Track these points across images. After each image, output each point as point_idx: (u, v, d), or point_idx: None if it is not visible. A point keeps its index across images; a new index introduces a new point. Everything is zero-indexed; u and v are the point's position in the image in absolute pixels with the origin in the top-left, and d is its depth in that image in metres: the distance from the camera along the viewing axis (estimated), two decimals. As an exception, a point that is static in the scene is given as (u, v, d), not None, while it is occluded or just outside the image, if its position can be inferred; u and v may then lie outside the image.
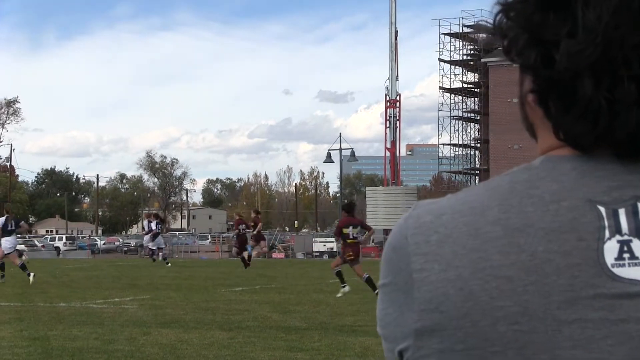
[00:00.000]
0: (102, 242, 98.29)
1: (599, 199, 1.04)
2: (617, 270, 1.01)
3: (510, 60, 1.11)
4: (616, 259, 1.01)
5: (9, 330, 13.06)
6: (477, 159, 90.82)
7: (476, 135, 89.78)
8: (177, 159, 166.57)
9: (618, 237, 1.02)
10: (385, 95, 68.03)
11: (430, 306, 1.04)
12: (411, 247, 1.08)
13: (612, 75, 1.01)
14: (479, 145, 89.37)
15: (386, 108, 68.26)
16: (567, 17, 1.03)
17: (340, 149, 67.85)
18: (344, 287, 20.71)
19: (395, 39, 68.68)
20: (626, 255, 1.01)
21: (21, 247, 72.64)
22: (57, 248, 79.48)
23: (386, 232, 62.69)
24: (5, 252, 26.30)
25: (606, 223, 1.02)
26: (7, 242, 26.45)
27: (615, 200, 1.03)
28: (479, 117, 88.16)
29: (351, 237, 20.66)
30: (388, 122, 68.17)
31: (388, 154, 68.62)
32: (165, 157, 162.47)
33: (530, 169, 1.08)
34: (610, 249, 1.01)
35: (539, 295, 1.01)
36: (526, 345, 1.00)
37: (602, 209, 1.03)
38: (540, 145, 1.13)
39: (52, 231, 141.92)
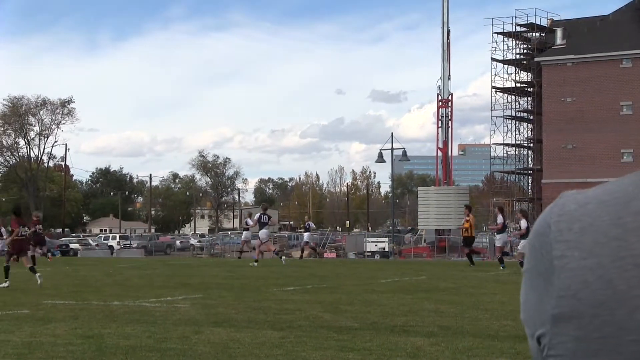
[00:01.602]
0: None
1: None
2: None
3: None
4: None
5: (63, 328, 13.21)
6: (530, 158, 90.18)
7: (529, 135, 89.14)
8: (229, 159, 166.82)
9: None
10: (438, 94, 67.76)
11: (568, 293, 1.05)
12: (554, 234, 1.09)
13: None
14: (531, 145, 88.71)
15: (438, 108, 67.99)
16: None
17: (392, 149, 67.66)
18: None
19: (448, 38, 68.38)
20: None
21: (75, 245, 73.46)
22: (111, 247, 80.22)
23: (438, 232, 62.48)
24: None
25: None
26: None
27: None
28: (532, 117, 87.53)
29: None
30: (440, 122, 67.89)
31: (440, 153, 68.32)
32: (217, 157, 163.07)
33: None
34: None
35: None
36: None
37: None
38: None
39: (105, 230, 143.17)
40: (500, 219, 33.34)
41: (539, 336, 1.10)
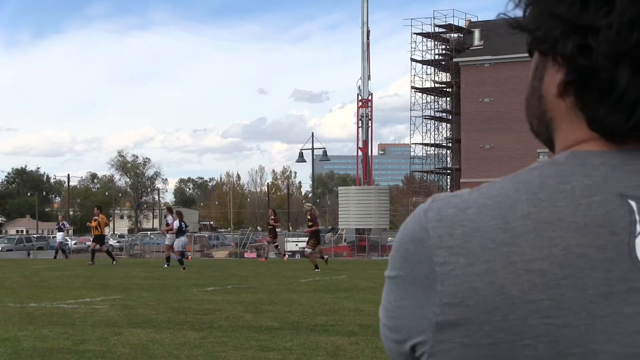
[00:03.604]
0: (73, 242, 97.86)
1: (630, 193, 1.03)
2: None
3: (541, 52, 1.11)
4: None
5: (-22, 331, 12.98)
6: (448, 158, 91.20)
7: (448, 134, 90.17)
8: (149, 159, 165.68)
9: None
10: (358, 94, 68.07)
11: (455, 300, 1.03)
12: (433, 239, 1.06)
13: None
14: (450, 144, 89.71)
15: (358, 108, 68.28)
16: (605, 4, 1.02)
17: (313, 149, 67.89)
18: None
19: (368, 38, 68.70)
20: None
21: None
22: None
23: (358, 231, 62.78)
24: None
25: (637, 218, 1.02)
26: None
27: None
28: (450, 117, 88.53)
29: None
30: (360, 122, 68.21)
31: (360, 153, 68.64)
32: (137, 157, 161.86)
33: (557, 164, 1.07)
34: None
35: (573, 289, 1.00)
36: (559, 339, 1.00)
37: (633, 204, 1.03)
38: (563, 141, 1.12)
39: (22, 231, 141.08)
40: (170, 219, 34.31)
41: (415, 344, 1.08)
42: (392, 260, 1.12)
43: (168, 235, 34.96)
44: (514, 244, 1.03)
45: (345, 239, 65.48)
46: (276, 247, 44.39)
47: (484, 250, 1.04)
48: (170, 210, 36.57)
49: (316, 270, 30.29)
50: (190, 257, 34.16)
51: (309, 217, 32.35)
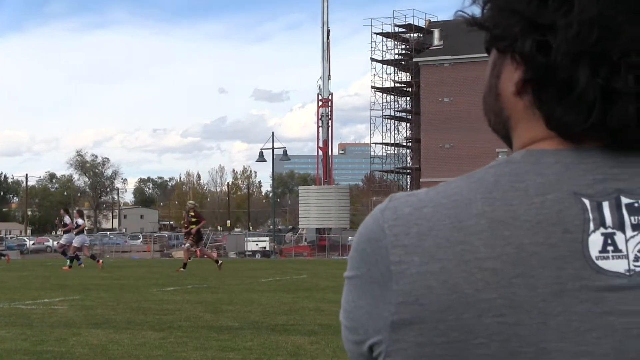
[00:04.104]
0: (32, 242, 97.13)
1: (584, 191, 1.04)
2: (601, 263, 1.01)
3: (499, 49, 1.11)
4: (600, 252, 1.02)
5: None
6: (408, 158, 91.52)
7: (408, 134, 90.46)
8: (108, 159, 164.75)
9: (602, 229, 1.02)
10: (318, 94, 68.15)
11: (409, 299, 1.03)
12: (389, 238, 1.06)
13: (609, 64, 1.02)
14: (410, 144, 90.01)
15: (318, 107, 68.40)
16: (564, 3, 1.02)
17: (273, 148, 67.87)
18: None
19: (328, 38, 68.82)
20: (610, 248, 1.02)
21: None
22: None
23: (319, 231, 62.85)
24: None
25: (590, 216, 1.03)
26: None
27: (599, 193, 1.04)
28: (410, 117, 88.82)
29: None
30: (320, 122, 68.30)
31: (320, 153, 68.73)
32: (96, 157, 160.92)
33: (512, 163, 1.08)
34: (595, 241, 1.02)
35: (525, 287, 1.00)
36: (511, 337, 1.00)
37: (586, 202, 1.03)
38: (520, 139, 1.12)
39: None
40: (67, 219, 34.87)
41: (372, 344, 1.07)
42: (350, 260, 1.12)
43: (65, 235, 35.40)
44: (468, 242, 1.03)
45: (305, 239, 65.56)
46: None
47: (438, 249, 1.03)
48: (67, 210, 37.19)
49: (182, 269, 30.42)
50: (100, 261, 34.54)
51: (192, 213, 32.10)
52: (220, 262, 31.37)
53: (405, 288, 1.04)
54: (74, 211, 36.82)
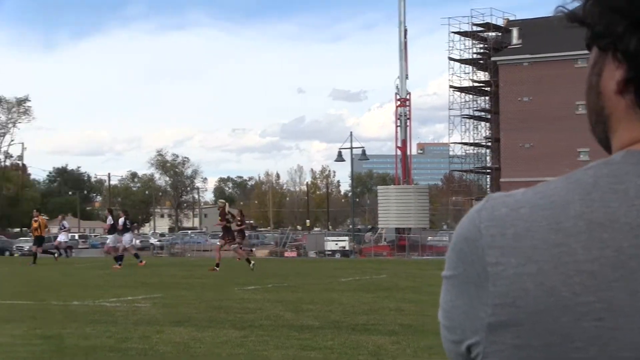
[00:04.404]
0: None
1: None
2: None
3: (601, 47, 1.09)
4: None
5: (23, 329, 13.10)
6: (488, 157, 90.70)
7: (487, 134, 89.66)
8: (188, 158, 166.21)
9: None
10: (396, 94, 67.95)
11: (506, 300, 1.02)
12: (485, 239, 1.06)
13: None
14: (489, 143, 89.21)
15: (396, 107, 68.18)
16: None
17: (352, 148, 67.83)
18: None
19: (405, 37, 68.57)
20: None
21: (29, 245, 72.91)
22: (70, 247, 79.43)
23: (398, 230, 62.68)
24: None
25: None
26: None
27: None
28: (489, 116, 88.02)
29: None
30: (399, 121, 68.10)
31: (399, 152, 68.53)
32: (176, 156, 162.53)
33: (612, 164, 1.05)
34: None
35: (625, 291, 0.99)
36: (610, 342, 0.99)
37: None
38: (619, 139, 1.10)
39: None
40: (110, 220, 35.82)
41: (470, 345, 1.07)
42: (447, 259, 1.12)
43: (110, 237, 36.30)
44: (566, 244, 1.02)
45: (385, 238, 65.41)
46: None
47: (535, 250, 1.02)
48: (110, 211, 38.18)
49: (215, 268, 30.29)
50: (143, 262, 35.16)
51: (230, 213, 32.23)
52: (217, 266, 30.83)
53: (502, 290, 1.03)
54: (120, 211, 37.72)
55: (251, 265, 30.47)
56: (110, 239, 36.29)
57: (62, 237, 47.04)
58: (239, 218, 40.68)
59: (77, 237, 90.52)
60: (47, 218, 57.96)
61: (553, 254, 1.02)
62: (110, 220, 35.88)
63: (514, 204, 1.08)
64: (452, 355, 1.12)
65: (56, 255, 40.51)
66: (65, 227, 46.87)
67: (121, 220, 35.89)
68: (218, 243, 31.93)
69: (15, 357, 10.33)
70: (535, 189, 1.09)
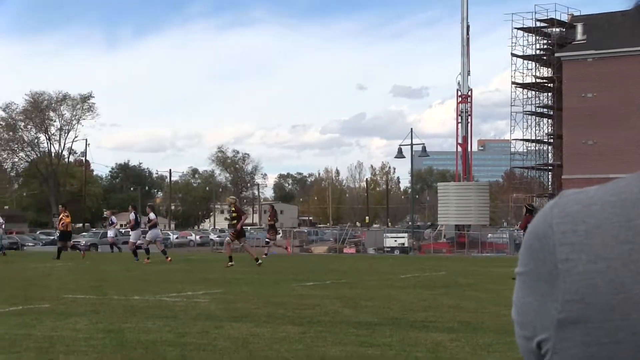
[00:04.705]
0: (175, 236, 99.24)
1: None
2: None
3: None
4: None
5: (84, 323, 13.26)
6: (550, 154, 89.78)
7: (549, 130, 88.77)
8: (248, 154, 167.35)
9: None
10: (457, 90, 67.62)
11: (575, 297, 1.03)
12: (557, 236, 1.06)
13: None
14: (552, 140, 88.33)
15: (458, 103, 67.86)
16: None
17: (412, 144, 67.72)
18: None
19: (467, 33, 68.18)
20: None
21: (93, 240, 73.79)
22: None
23: (458, 227, 62.40)
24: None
25: None
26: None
27: None
28: (552, 113, 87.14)
29: None
30: (460, 118, 67.77)
31: (460, 149, 68.20)
32: (237, 152, 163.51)
33: None
34: None
35: None
36: None
37: None
38: None
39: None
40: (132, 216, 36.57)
41: (540, 341, 1.08)
42: (520, 256, 1.12)
43: (132, 233, 36.92)
44: (636, 242, 1.01)
45: (444, 235, 65.15)
46: (266, 243, 44.50)
47: (605, 247, 1.02)
48: (134, 207, 39.30)
49: (230, 264, 30.16)
50: (169, 258, 35.37)
51: (233, 208, 32.08)
52: (259, 261, 30.96)
53: (572, 286, 1.03)
54: (147, 207, 38.91)
55: (258, 262, 30.48)
56: (133, 235, 36.79)
57: (110, 233, 47.60)
58: (270, 214, 41.11)
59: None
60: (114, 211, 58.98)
61: (623, 251, 1.01)
62: (133, 216, 36.27)
63: (586, 200, 1.08)
64: (524, 351, 1.13)
65: (82, 252, 40.79)
66: (113, 222, 47.41)
67: (152, 216, 36.36)
68: (227, 239, 31.97)
69: (77, 350, 10.46)
70: (607, 186, 1.09)
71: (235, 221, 31.49)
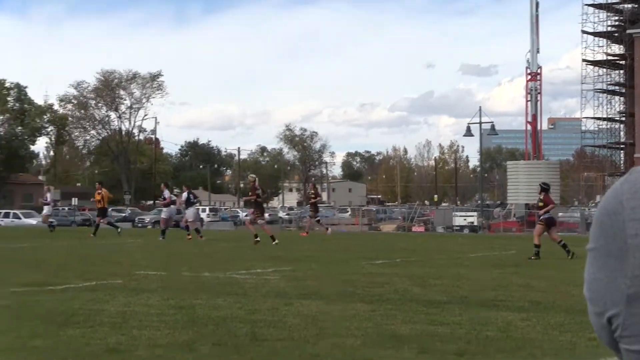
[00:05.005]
0: (244, 214, 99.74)
1: None
2: None
3: None
4: None
5: (156, 299, 13.42)
6: (622, 132, 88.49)
7: (621, 108, 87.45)
8: (316, 132, 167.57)
9: None
10: (526, 68, 66.87)
11: None
12: (626, 212, 1.06)
13: None
14: (624, 119, 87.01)
15: (527, 81, 67.11)
16: None
17: (481, 122, 67.21)
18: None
19: (536, 10, 67.28)
20: None
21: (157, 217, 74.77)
22: (201, 219, 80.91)
23: (528, 206, 61.84)
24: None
25: None
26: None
27: None
28: (624, 90, 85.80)
29: None
30: (529, 96, 67.02)
31: (529, 127, 67.51)
32: (305, 130, 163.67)
33: None
34: None
35: None
36: None
37: None
38: None
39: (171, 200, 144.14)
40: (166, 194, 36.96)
41: (610, 317, 1.08)
42: (591, 232, 1.12)
43: (165, 209, 37.46)
44: None
45: (514, 214, 64.63)
46: (318, 221, 44.46)
47: None
48: (167, 185, 39.41)
49: (256, 239, 30.16)
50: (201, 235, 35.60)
51: (253, 186, 31.76)
52: (258, 238, 30.91)
53: None
54: (184, 186, 39.53)
55: (274, 242, 30.35)
56: (164, 211, 37.49)
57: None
58: (312, 192, 41.15)
59: (207, 211, 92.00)
60: (178, 191, 59.37)
61: None
62: (167, 194, 36.62)
63: None
64: (597, 327, 1.13)
65: (119, 230, 41.25)
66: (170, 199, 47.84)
67: (184, 195, 36.76)
68: (248, 217, 31.84)
69: (149, 326, 10.59)
70: None
71: (259, 199, 31.48)
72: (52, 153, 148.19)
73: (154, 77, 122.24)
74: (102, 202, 39.48)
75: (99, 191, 39.63)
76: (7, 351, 8.91)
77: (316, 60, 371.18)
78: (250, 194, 31.66)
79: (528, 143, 68.42)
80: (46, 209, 45.19)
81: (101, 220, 39.60)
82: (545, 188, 25.17)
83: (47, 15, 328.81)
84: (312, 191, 31.57)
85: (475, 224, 60.41)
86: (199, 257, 23.81)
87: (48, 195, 46.30)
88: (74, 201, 69.94)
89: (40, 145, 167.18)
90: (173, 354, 8.78)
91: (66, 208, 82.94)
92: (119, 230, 40.40)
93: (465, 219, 61.56)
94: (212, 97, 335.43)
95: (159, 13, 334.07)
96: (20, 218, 67.03)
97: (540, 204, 24.88)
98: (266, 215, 33.59)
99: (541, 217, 24.59)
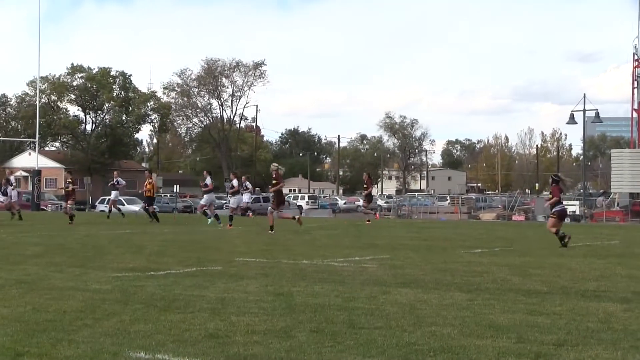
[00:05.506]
0: (343, 201, 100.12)
1: None
2: None
3: None
4: None
5: (255, 285, 13.53)
6: None
7: None
8: (416, 120, 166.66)
9: None
10: (633, 54, 65.50)
11: None
12: None
13: None
14: None
15: (634, 68, 65.74)
16: None
17: (585, 110, 66.10)
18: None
19: (644, -5, 65.82)
20: None
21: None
22: (300, 207, 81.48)
23: (632, 195, 60.67)
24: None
25: None
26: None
27: None
28: None
29: None
30: (635, 83, 65.68)
31: (635, 115, 66.16)
32: (405, 118, 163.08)
33: None
34: None
35: None
36: None
37: None
38: None
39: (294, 190, 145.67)
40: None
41: None
42: None
43: (206, 196, 37.80)
44: None
45: (618, 204, 63.50)
46: (371, 209, 44.29)
47: None
48: (235, 174, 39.72)
49: (270, 232, 29.42)
50: (250, 214, 36.02)
51: (273, 176, 31.01)
52: (297, 217, 31.85)
53: None
54: (231, 173, 41.00)
55: (270, 232, 29.61)
56: (205, 198, 37.78)
57: (246, 198, 48.19)
58: (366, 182, 41.10)
59: (306, 198, 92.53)
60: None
61: None
62: (209, 180, 36.70)
63: None
64: None
65: (174, 216, 41.75)
66: (248, 188, 48.04)
67: (235, 182, 36.95)
68: (270, 208, 31.40)
69: (247, 312, 10.68)
70: None
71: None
72: (155, 140, 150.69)
73: (257, 65, 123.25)
74: (152, 191, 40.57)
75: (150, 180, 40.35)
76: (110, 335, 9.07)
77: (416, 48, 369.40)
78: (274, 182, 31.11)
79: (634, 131, 67.09)
80: (113, 194, 45.00)
81: (153, 207, 40.57)
82: (555, 180, 24.64)
83: (152, 4, 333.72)
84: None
85: (578, 213, 59.56)
86: (297, 245, 23.92)
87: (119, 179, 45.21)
88: (176, 188, 70.77)
89: (144, 132, 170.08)
90: (270, 340, 8.83)
91: (168, 195, 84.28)
92: (156, 221, 40.23)
93: (567, 208, 60.65)
94: (312, 85, 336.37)
95: (263, 1, 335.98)
96: (123, 204, 68.19)
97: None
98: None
99: (553, 210, 23.95)
